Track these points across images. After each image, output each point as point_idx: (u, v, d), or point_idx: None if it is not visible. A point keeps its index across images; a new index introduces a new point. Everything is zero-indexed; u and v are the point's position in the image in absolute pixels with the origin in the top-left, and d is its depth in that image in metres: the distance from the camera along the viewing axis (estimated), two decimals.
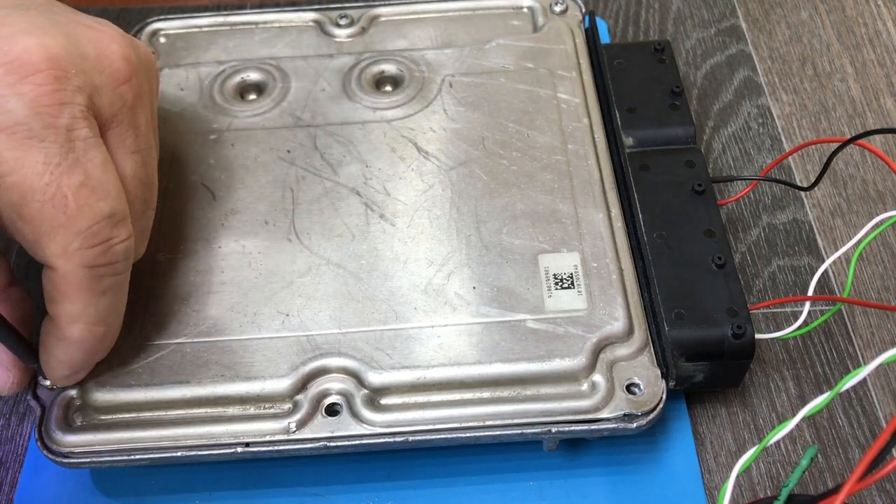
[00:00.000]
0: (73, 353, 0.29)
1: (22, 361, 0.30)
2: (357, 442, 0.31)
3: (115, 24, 0.31)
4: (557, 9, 0.43)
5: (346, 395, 0.31)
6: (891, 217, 0.33)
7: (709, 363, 0.32)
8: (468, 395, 0.32)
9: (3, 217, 0.27)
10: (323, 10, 0.44)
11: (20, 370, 0.31)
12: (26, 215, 0.26)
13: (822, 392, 0.30)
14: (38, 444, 0.31)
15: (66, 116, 0.27)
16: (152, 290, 0.34)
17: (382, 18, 0.44)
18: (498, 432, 0.31)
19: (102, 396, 0.31)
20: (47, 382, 0.32)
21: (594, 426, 0.31)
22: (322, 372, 0.32)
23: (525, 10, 0.44)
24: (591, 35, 0.42)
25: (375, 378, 0.31)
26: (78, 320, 0.28)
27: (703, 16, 0.49)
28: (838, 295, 0.38)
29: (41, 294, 0.28)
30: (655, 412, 0.31)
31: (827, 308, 0.37)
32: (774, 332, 0.34)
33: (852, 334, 0.37)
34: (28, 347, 0.30)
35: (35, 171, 0.26)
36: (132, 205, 0.30)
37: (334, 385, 0.32)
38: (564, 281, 0.34)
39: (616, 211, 0.36)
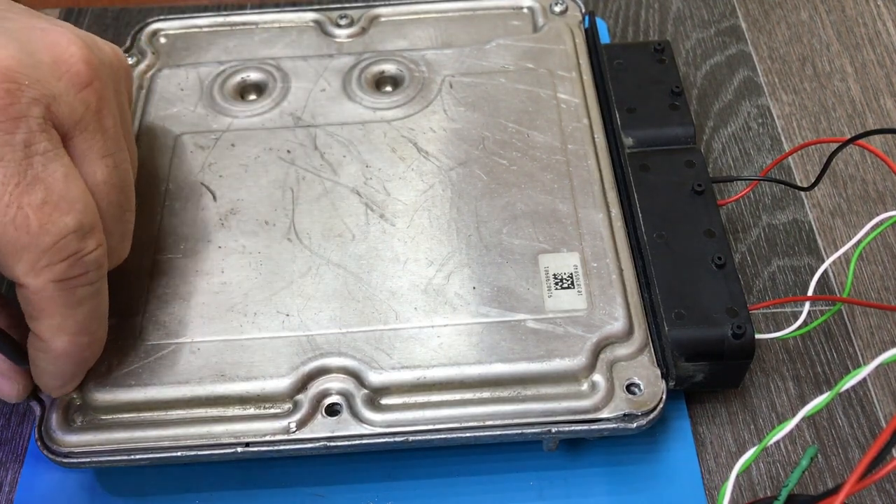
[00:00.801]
0: (62, 365, 0.29)
1: (16, 364, 0.30)
2: (357, 442, 0.31)
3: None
4: (557, 9, 0.43)
5: (347, 395, 0.31)
6: (891, 217, 0.33)
7: (709, 363, 0.32)
8: (468, 395, 0.32)
9: None
10: (323, 11, 0.44)
11: (24, 378, 0.31)
12: None
13: (822, 392, 0.30)
14: (39, 444, 0.31)
15: (23, 131, 0.26)
16: (152, 290, 0.34)
17: (382, 19, 0.44)
18: (498, 432, 0.31)
19: (102, 396, 0.31)
20: None
21: (594, 426, 0.31)
22: (322, 372, 0.32)
23: (525, 10, 0.44)
24: (590, 35, 0.42)
25: (375, 378, 0.31)
26: (60, 333, 0.28)
27: (703, 16, 0.49)
28: (838, 295, 0.38)
29: None
30: (655, 412, 0.31)
31: (827, 308, 0.37)
32: (774, 332, 0.34)
33: (852, 334, 0.37)
34: (21, 350, 0.30)
35: None
36: (107, 210, 0.29)
37: (334, 385, 0.32)
38: (564, 281, 0.34)
39: (616, 211, 0.36)
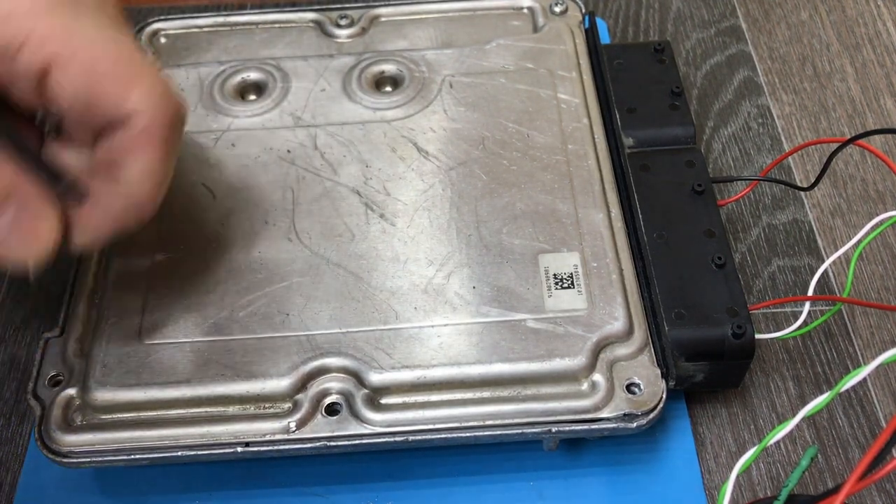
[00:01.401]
0: (130, 212, 0.28)
1: (52, 187, 0.28)
2: (357, 442, 0.31)
3: None
4: (557, 9, 0.43)
5: (347, 395, 0.31)
6: (891, 217, 0.33)
7: (709, 363, 0.32)
8: (468, 394, 0.32)
9: (62, 99, 0.27)
10: (323, 11, 0.44)
11: (56, 218, 0.28)
12: (101, 70, 0.26)
13: (822, 392, 0.30)
14: (38, 443, 0.31)
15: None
16: (152, 290, 0.34)
17: (383, 19, 0.44)
18: (498, 432, 0.31)
19: (102, 396, 0.31)
20: (47, 378, 0.31)
21: (594, 426, 0.31)
22: (322, 371, 0.32)
23: (525, 10, 0.44)
24: (591, 35, 0.42)
25: (375, 378, 0.31)
26: (151, 177, 0.28)
27: (703, 16, 0.49)
28: (838, 295, 0.38)
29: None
30: (655, 412, 0.31)
31: (827, 308, 0.37)
32: (774, 332, 0.34)
33: (852, 334, 0.37)
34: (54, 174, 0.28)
35: (94, 30, 0.27)
36: None
37: (334, 384, 0.32)
38: (564, 281, 0.34)
39: (616, 211, 0.36)
